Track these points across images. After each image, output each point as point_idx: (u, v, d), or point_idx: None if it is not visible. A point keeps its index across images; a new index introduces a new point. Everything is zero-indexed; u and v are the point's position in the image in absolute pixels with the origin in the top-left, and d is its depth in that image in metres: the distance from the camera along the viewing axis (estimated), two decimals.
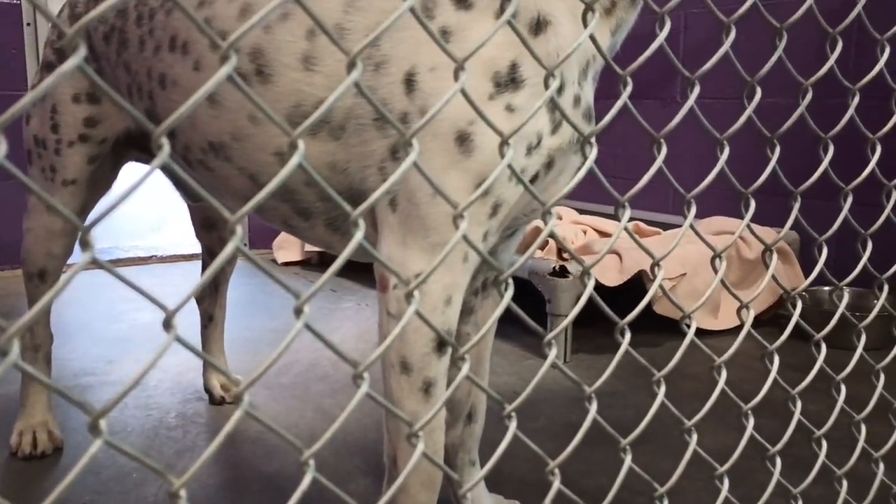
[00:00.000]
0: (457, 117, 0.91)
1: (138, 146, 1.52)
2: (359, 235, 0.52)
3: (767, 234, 2.29)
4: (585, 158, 0.69)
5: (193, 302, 1.93)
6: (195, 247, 3.43)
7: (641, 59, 0.65)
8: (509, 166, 0.63)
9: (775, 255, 0.85)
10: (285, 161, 1.14)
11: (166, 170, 1.56)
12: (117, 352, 2.27)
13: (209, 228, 1.86)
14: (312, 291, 0.49)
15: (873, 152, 1.02)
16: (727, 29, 0.75)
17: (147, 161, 1.59)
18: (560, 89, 0.93)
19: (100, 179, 1.55)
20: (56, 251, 1.55)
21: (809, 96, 0.89)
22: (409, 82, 0.95)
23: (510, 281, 0.64)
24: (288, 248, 3.39)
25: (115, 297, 2.74)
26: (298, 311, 0.49)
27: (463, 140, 0.91)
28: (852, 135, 1.04)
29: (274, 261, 3.42)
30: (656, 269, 0.73)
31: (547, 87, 0.65)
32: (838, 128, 0.98)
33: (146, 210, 4.18)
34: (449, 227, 0.93)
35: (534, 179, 0.98)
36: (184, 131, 1.20)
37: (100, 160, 1.51)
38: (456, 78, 0.58)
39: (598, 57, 1.01)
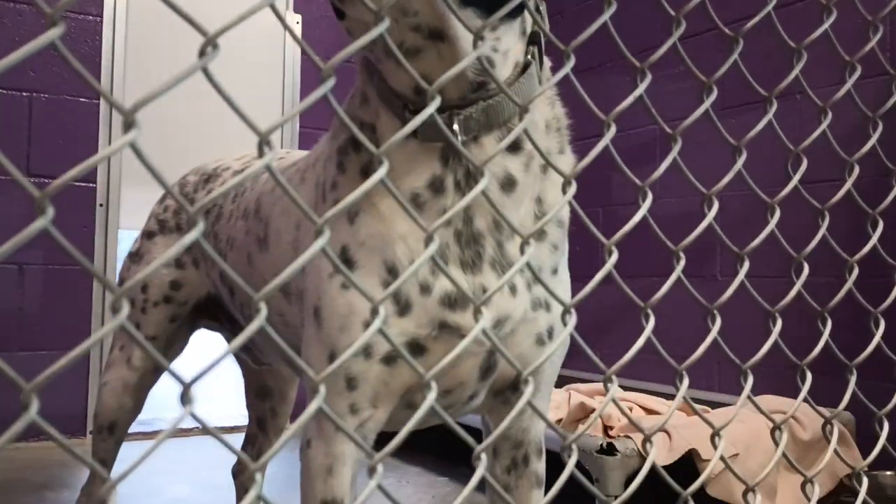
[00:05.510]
0: (314, 292, 0.98)
1: (209, 314, 1.62)
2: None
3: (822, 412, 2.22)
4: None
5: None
6: (238, 419, 3.43)
7: (693, 235, 0.69)
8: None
9: (836, 427, 0.84)
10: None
11: (233, 332, 1.64)
12: None
13: (263, 397, 1.89)
14: (387, 451, 0.50)
15: None
16: (771, 209, 0.80)
17: (216, 329, 1.68)
18: (392, 272, 0.93)
19: (175, 340, 1.65)
20: (128, 404, 1.61)
21: (856, 272, 0.92)
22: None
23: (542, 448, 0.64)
24: None
25: (150, 470, 2.69)
26: (372, 470, 0.50)
27: (317, 313, 0.97)
28: None
29: None
30: (717, 438, 0.72)
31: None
32: (887, 303, 0.99)
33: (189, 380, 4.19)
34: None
35: (393, 358, 0.93)
36: (239, 288, 1.31)
37: (179, 321, 1.61)
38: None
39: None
